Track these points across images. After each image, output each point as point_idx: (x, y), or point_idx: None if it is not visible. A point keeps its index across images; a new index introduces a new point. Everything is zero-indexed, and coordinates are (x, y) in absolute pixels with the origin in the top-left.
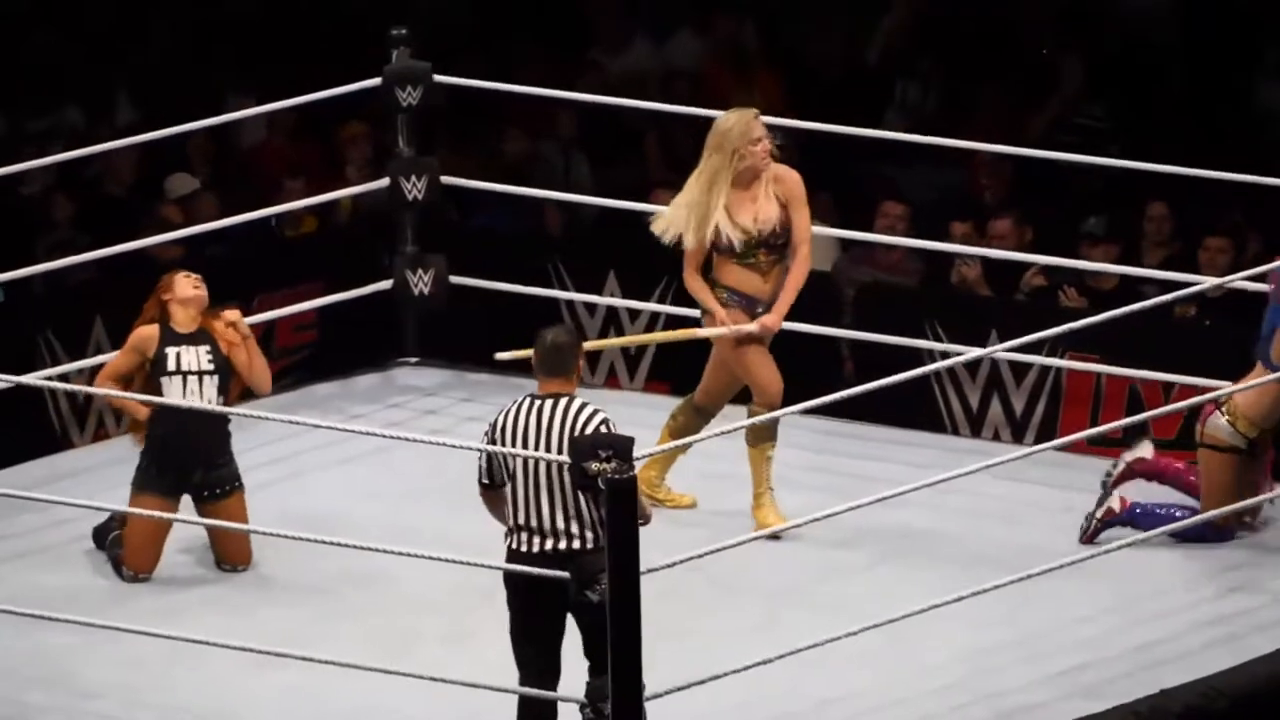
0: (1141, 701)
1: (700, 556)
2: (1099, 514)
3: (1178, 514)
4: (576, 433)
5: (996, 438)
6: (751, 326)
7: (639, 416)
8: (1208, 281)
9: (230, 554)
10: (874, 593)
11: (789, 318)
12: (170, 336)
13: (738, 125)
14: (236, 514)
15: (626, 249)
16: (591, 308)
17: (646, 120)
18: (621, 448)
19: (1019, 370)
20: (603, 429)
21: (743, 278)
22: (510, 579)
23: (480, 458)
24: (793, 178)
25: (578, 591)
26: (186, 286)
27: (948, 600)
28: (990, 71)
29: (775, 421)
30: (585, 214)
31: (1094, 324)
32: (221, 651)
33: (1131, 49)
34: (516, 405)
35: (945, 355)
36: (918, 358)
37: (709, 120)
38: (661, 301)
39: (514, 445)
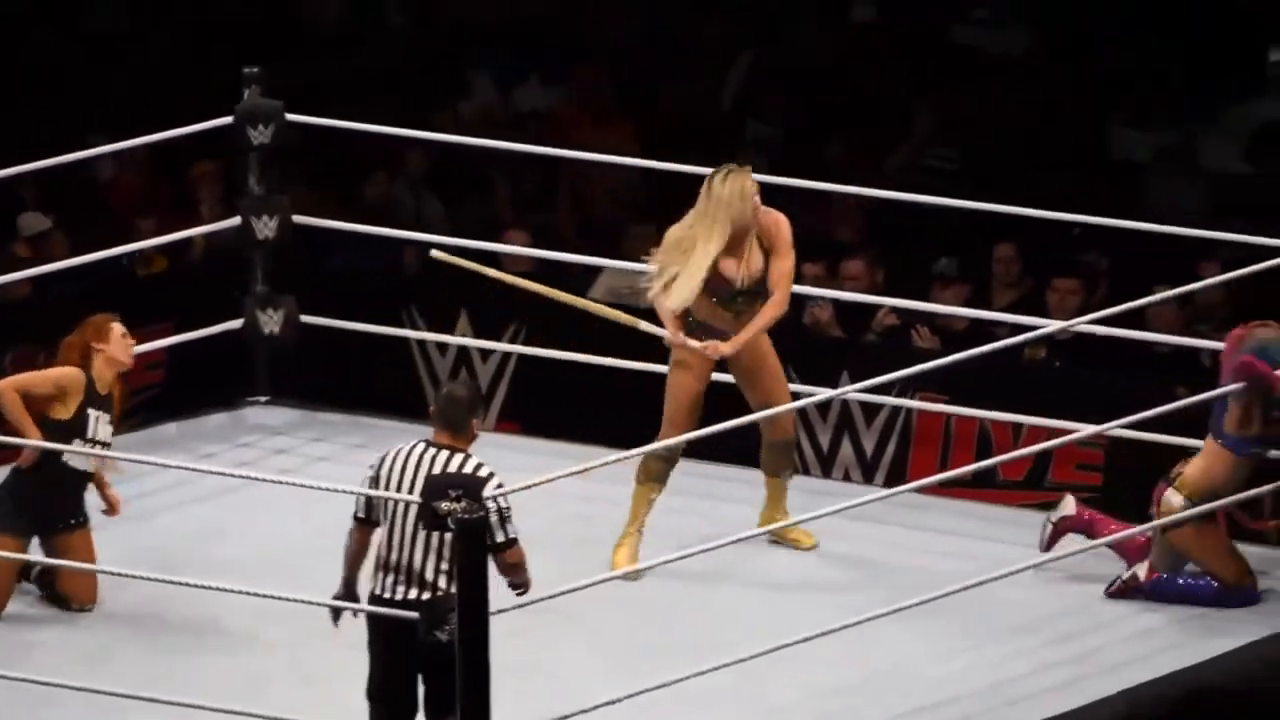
0: None
1: (549, 598)
2: (1125, 578)
3: (1199, 584)
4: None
5: (847, 478)
6: (696, 344)
7: (492, 459)
8: (1056, 324)
9: (78, 593)
10: (725, 632)
11: (633, 357)
12: (93, 395)
13: (735, 190)
14: (83, 551)
15: (478, 289)
16: (443, 347)
17: (497, 161)
18: (472, 488)
19: (870, 411)
20: (491, 487)
21: (715, 314)
22: (372, 621)
23: (361, 491)
24: (778, 223)
25: (426, 631)
26: (124, 348)
27: (796, 640)
28: (842, 115)
29: (668, 461)
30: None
31: (944, 365)
32: (74, 695)
33: (986, 96)
34: (409, 447)
35: (797, 396)
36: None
37: (558, 160)
38: (514, 341)
39: (393, 487)
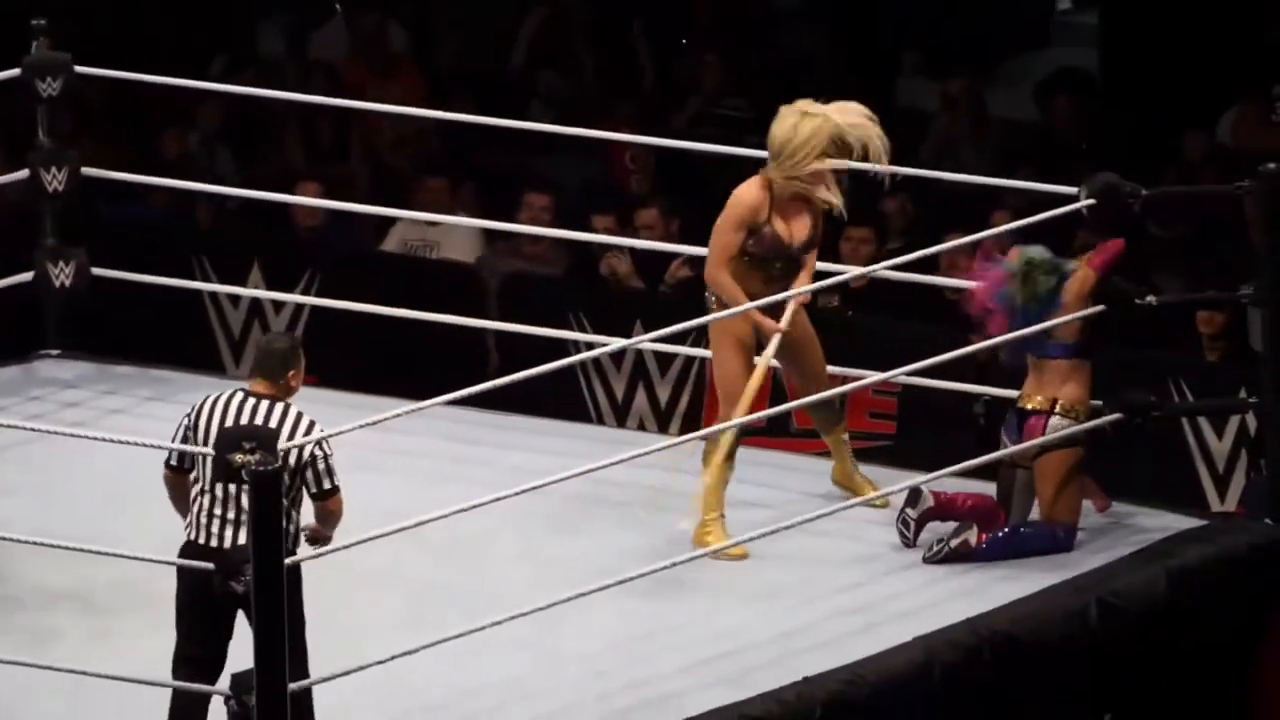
0: (786, 689)
1: (345, 548)
2: (954, 544)
3: (1025, 532)
4: (283, 436)
5: (642, 427)
6: (775, 338)
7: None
8: (851, 272)
9: None
10: (521, 583)
11: (435, 308)
12: None
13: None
14: None
15: (270, 240)
16: (236, 299)
17: (287, 112)
18: (267, 440)
19: (664, 360)
20: (312, 434)
21: (744, 279)
22: (181, 571)
23: (175, 438)
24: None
25: (222, 582)
26: None
27: (592, 589)
28: (635, 66)
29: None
30: (230, 206)
31: (737, 314)
32: None
33: (778, 48)
34: (226, 395)
35: (590, 346)
36: (563, 348)
37: (347, 111)
38: (305, 292)
39: (206, 435)
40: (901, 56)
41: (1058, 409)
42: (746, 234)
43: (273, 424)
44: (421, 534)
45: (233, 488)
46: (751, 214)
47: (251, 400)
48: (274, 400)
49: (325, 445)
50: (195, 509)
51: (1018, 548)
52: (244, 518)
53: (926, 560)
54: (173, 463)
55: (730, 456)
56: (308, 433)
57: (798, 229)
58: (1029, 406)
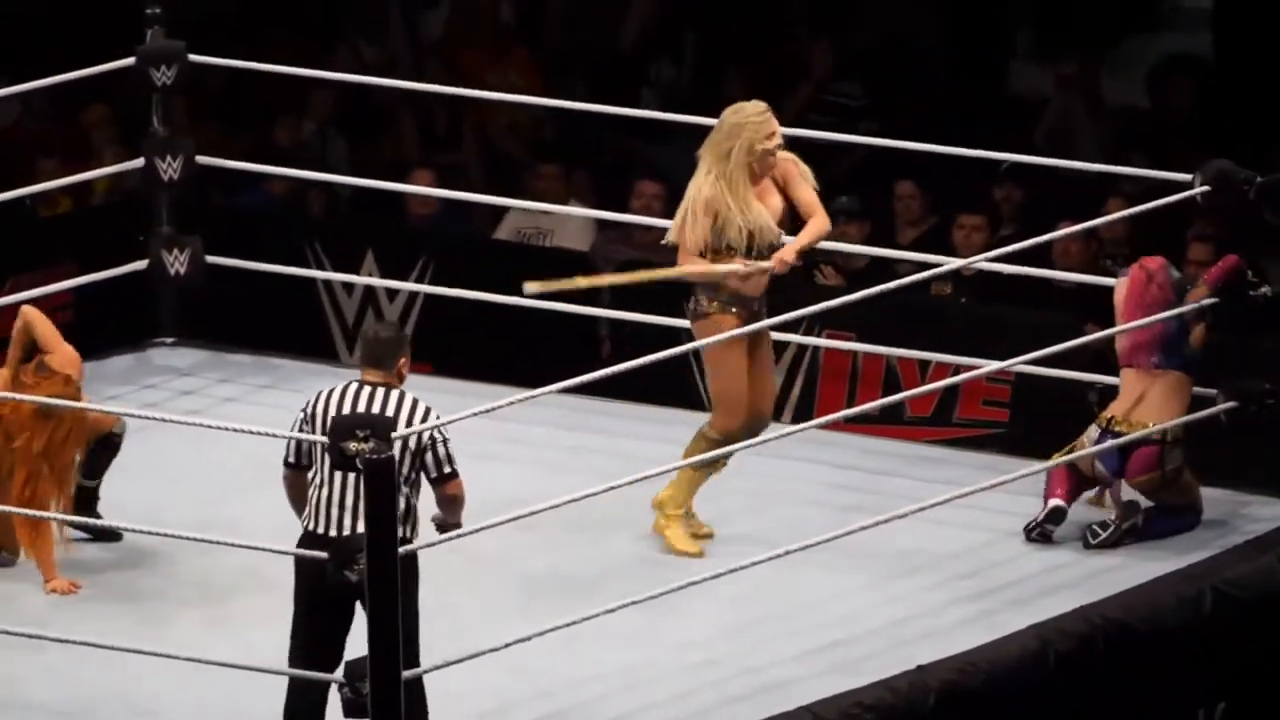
0: (900, 677)
1: (459, 537)
2: (1125, 526)
3: (1171, 513)
4: (401, 423)
5: None
6: (768, 264)
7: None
8: (961, 261)
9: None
10: (633, 572)
11: (547, 298)
12: None
13: (753, 123)
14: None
15: (384, 229)
16: (349, 287)
17: (401, 100)
18: (380, 428)
19: (776, 348)
20: (430, 419)
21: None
22: (298, 560)
23: (290, 436)
24: (784, 158)
25: (335, 571)
26: None
27: (706, 577)
28: (744, 53)
29: (720, 445)
30: (343, 194)
31: (850, 302)
32: None
33: (888, 31)
34: (341, 386)
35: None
36: (675, 336)
37: (462, 100)
38: (420, 280)
39: (324, 428)
40: (1014, 40)
41: (1168, 438)
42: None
43: (389, 411)
44: (535, 522)
45: (351, 476)
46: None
47: (367, 389)
48: (389, 388)
49: (442, 430)
50: (314, 499)
51: (1174, 527)
52: (361, 506)
53: (1093, 547)
54: (290, 460)
55: (715, 464)
56: (424, 418)
57: (772, 210)
58: (1133, 432)
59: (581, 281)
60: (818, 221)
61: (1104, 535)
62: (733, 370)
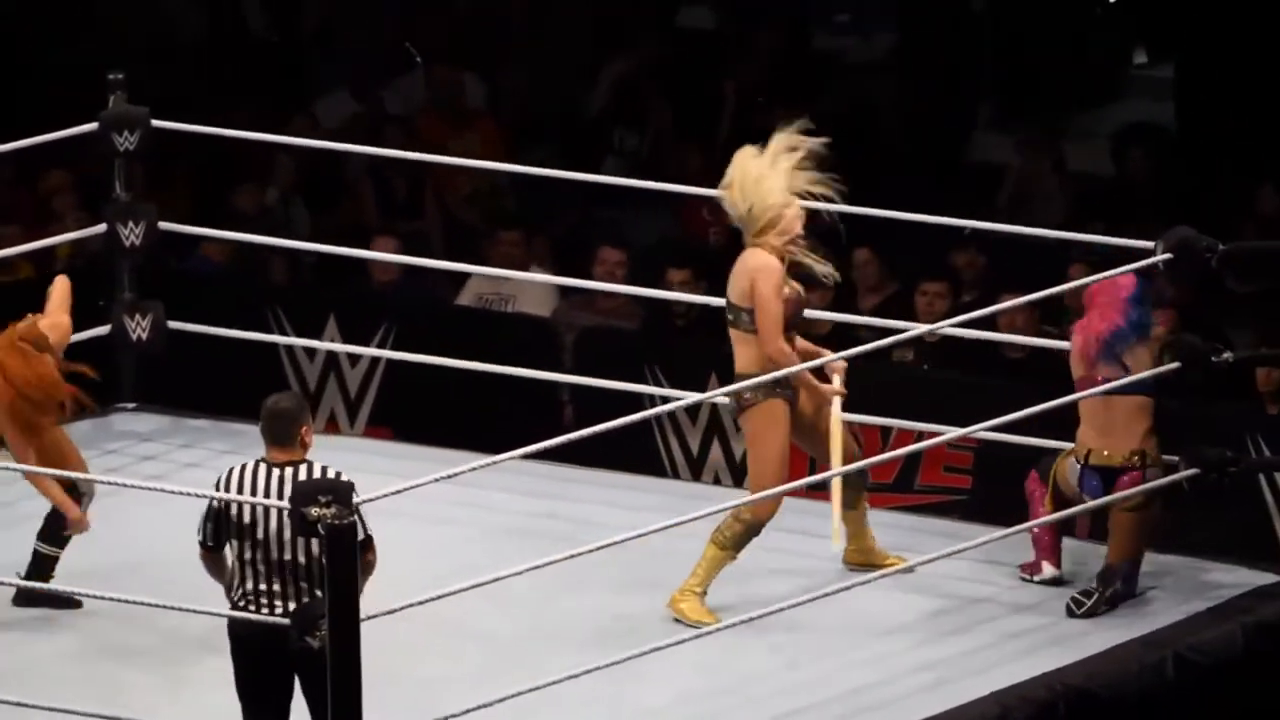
0: None
1: (420, 604)
2: (1108, 594)
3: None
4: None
5: (717, 481)
6: (838, 386)
7: (362, 463)
8: (924, 327)
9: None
10: (595, 639)
11: (510, 362)
12: None
13: (790, 215)
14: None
15: (346, 294)
16: (311, 353)
17: (361, 167)
18: (342, 493)
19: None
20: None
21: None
22: (235, 638)
23: (205, 516)
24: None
25: (298, 638)
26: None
27: (668, 643)
28: (708, 122)
29: (753, 529)
30: (306, 260)
31: (813, 368)
32: None
33: (851, 100)
34: (244, 467)
35: (665, 399)
36: (638, 402)
37: (423, 166)
38: (382, 345)
39: (239, 509)
40: (976, 110)
41: (1149, 462)
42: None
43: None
44: (495, 589)
45: (287, 549)
46: (783, 277)
47: (276, 471)
48: (295, 465)
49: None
50: (239, 584)
51: (1129, 586)
52: (300, 584)
53: (1079, 617)
54: (209, 543)
55: (735, 546)
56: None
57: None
58: (1112, 464)
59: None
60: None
61: (1088, 604)
62: (775, 454)
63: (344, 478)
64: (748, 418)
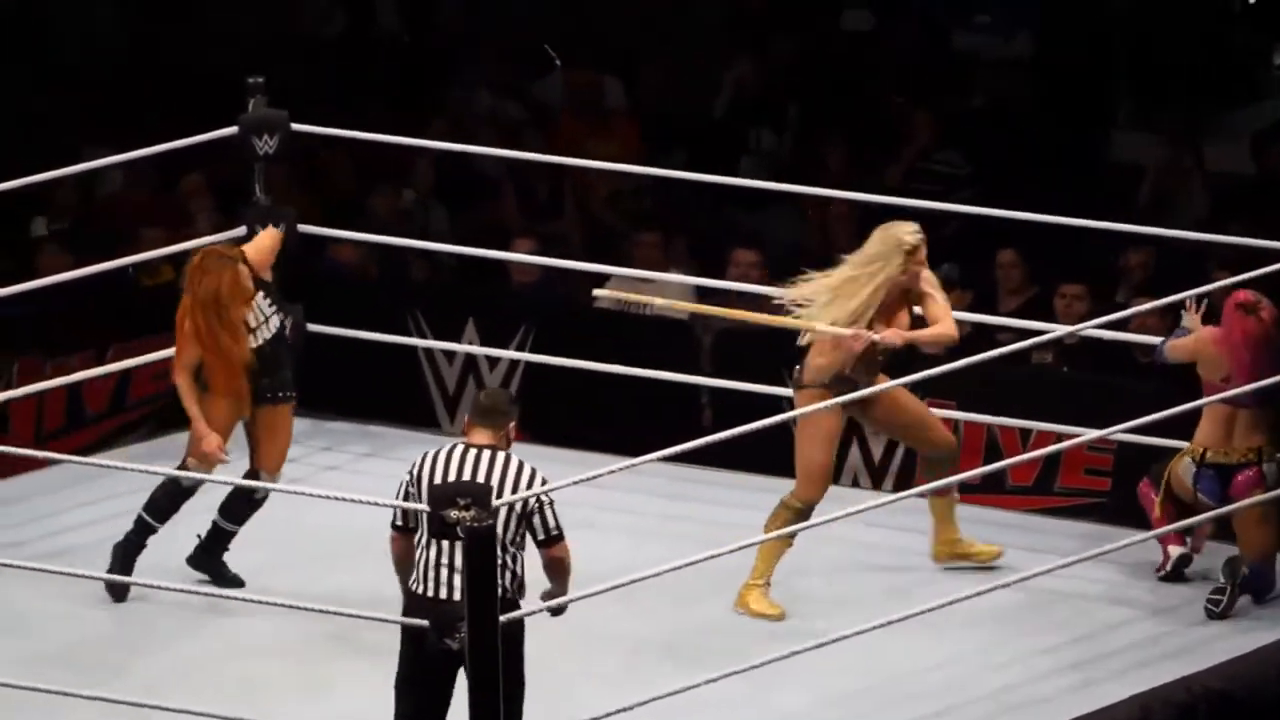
0: None
1: (560, 605)
2: (1237, 583)
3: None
4: (508, 486)
5: (855, 484)
6: (870, 333)
7: None
8: (1063, 329)
9: (267, 464)
10: (734, 640)
11: (648, 364)
12: (230, 303)
13: (914, 242)
14: (284, 422)
15: (485, 296)
16: (450, 355)
17: (501, 168)
18: (480, 496)
19: None
20: (536, 483)
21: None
22: (405, 627)
23: (397, 499)
24: (923, 274)
25: (438, 639)
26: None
27: (808, 646)
28: (845, 121)
29: (804, 516)
30: (444, 262)
31: (952, 370)
32: (74, 701)
33: (990, 99)
34: (446, 448)
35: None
36: (776, 404)
37: (563, 168)
38: (520, 348)
39: (430, 490)
40: (1116, 109)
41: (1265, 458)
42: None
43: (495, 473)
44: (635, 590)
45: (444, 545)
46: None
47: (473, 451)
48: (495, 450)
49: (548, 493)
50: (421, 563)
51: (1268, 581)
52: (447, 577)
53: (1217, 616)
54: (398, 523)
55: (792, 535)
56: (531, 480)
57: (901, 325)
58: (1231, 461)
59: (658, 302)
60: (942, 326)
61: (1224, 601)
62: (820, 442)
63: (541, 475)
64: (802, 399)
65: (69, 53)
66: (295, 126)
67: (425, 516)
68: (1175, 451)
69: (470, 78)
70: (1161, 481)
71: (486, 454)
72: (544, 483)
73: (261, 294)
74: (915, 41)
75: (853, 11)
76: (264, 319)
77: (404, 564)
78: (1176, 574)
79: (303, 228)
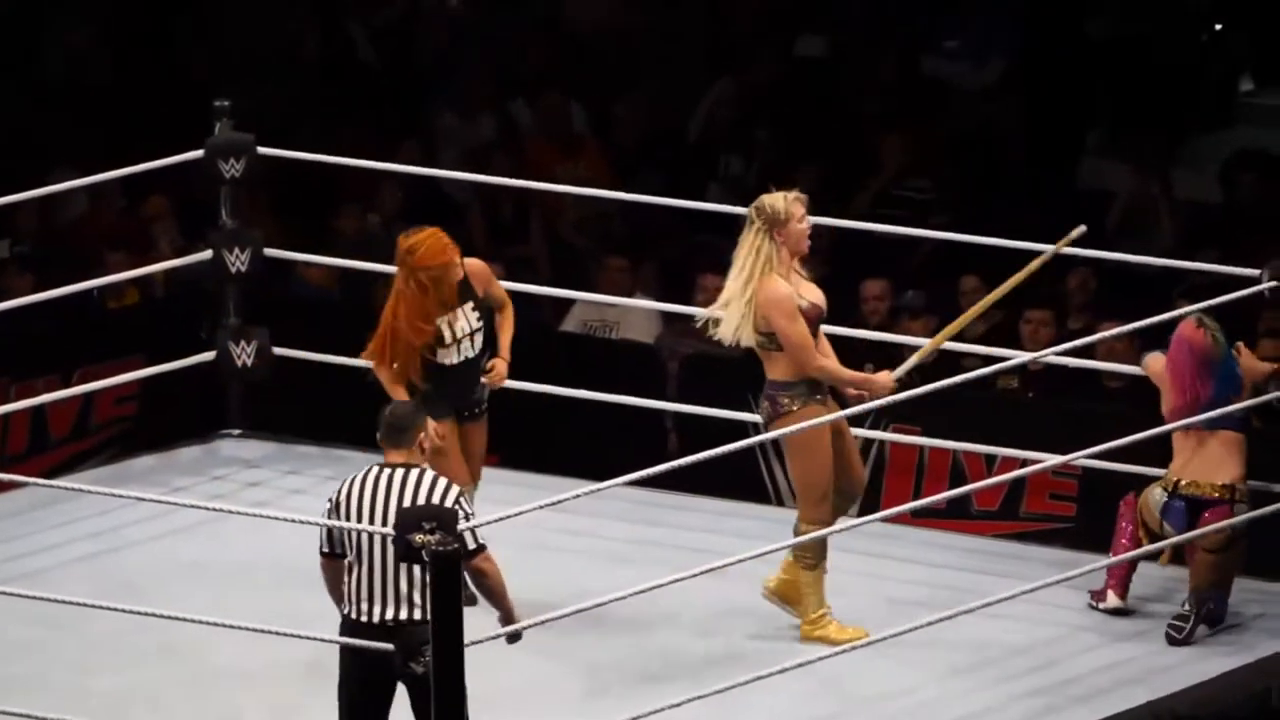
0: None
1: (526, 627)
2: (1202, 612)
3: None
4: (423, 502)
5: None
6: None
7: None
8: (1028, 355)
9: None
10: (699, 666)
11: (614, 389)
12: (438, 306)
13: (784, 208)
14: (479, 438)
15: None
16: None
17: (469, 191)
18: (446, 520)
19: None
20: (450, 498)
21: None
22: (342, 650)
23: (322, 526)
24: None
25: (403, 663)
26: (440, 250)
27: (772, 671)
28: (814, 147)
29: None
30: None
31: (917, 395)
32: None
33: (960, 125)
34: (362, 473)
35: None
36: (742, 429)
37: (527, 192)
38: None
39: (354, 513)
40: (1086, 135)
41: (1237, 497)
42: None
43: (410, 490)
44: (600, 615)
45: (379, 561)
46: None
47: (388, 471)
48: (409, 467)
49: (465, 505)
50: (350, 586)
51: (1221, 612)
52: (402, 591)
53: (1180, 643)
54: (324, 549)
55: (824, 555)
56: (445, 495)
57: (815, 291)
58: (1202, 495)
59: (941, 338)
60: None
61: (1186, 628)
62: (822, 460)
63: (454, 485)
64: (787, 424)
65: (49, 72)
66: (262, 150)
67: (352, 538)
68: (1145, 478)
69: (440, 101)
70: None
71: (400, 472)
72: (459, 495)
73: (471, 304)
74: (886, 68)
75: (810, 38)
76: (469, 332)
77: (335, 589)
78: (1111, 612)
79: (268, 251)
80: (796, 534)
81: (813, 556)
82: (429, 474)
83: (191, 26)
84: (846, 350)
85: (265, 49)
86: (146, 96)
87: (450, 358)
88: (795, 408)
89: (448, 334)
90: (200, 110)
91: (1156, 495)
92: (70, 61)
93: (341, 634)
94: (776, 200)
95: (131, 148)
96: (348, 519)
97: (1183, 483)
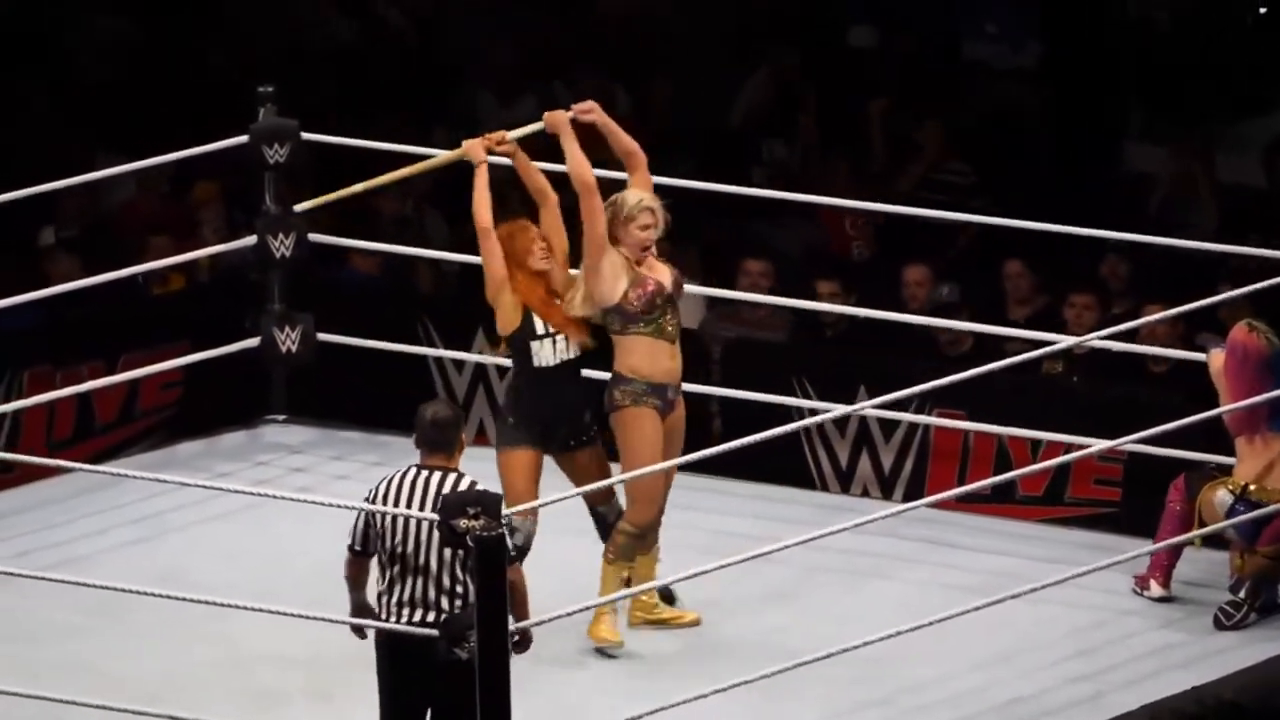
0: None
1: (568, 615)
2: (1258, 605)
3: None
4: None
5: (865, 494)
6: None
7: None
8: (1071, 339)
9: (593, 498)
10: (743, 651)
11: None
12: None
13: (629, 210)
14: (595, 464)
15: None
16: (460, 364)
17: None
18: (490, 505)
19: (887, 426)
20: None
21: (649, 354)
22: (382, 647)
23: (357, 522)
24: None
25: (447, 649)
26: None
27: (815, 658)
28: (855, 133)
29: (641, 538)
30: (449, 270)
31: (962, 380)
32: (80, 710)
33: (999, 108)
34: (400, 475)
35: (814, 412)
36: (786, 414)
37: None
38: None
39: (390, 517)
40: (1127, 120)
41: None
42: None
43: (447, 491)
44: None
45: (432, 561)
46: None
47: (424, 474)
48: (446, 471)
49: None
50: (390, 601)
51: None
52: (439, 593)
53: (1228, 629)
54: (356, 547)
55: (629, 556)
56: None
57: (663, 273)
58: (1270, 500)
59: (359, 188)
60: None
61: (1237, 616)
62: (646, 460)
63: (486, 489)
64: (615, 421)
65: (82, 61)
66: (306, 136)
67: (407, 534)
68: (1189, 463)
69: (476, 85)
70: (1195, 499)
71: (437, 475)
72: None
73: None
74: (923, 54)
75: (859, 28)
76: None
77: (358, 581)
78: (1155, 600)
79: (313, 236)
80: (618, 530)
81: (620, 554)
82: (466, 479)
83: (223, 13)
84: (888, 333)
85: (298, 35)
86: (179, 85)
87: (543, 356)
88: (626, 404)
89: (540, 325)
90: (234, 98)
91: (1222, 496)
92: (102, 51)
93: (378, 638)
94: (629, 197)
95: (173, 135)
96: (384, 520)
97: (1252, 488)
